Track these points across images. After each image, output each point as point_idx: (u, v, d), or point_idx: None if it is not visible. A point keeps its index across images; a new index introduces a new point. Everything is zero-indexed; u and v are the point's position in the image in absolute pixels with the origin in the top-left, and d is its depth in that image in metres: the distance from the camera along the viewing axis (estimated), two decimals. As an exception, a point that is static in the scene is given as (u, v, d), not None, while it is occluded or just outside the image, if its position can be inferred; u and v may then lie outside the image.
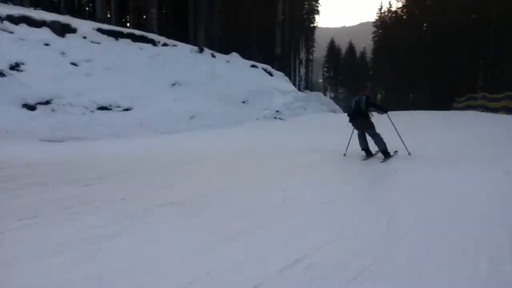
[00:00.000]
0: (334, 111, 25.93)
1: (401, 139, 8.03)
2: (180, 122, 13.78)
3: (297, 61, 39.24)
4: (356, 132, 8.09)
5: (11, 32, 13.04)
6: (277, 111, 19.34)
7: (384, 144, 7.50)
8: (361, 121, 7.70)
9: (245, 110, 17.87)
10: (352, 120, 7.83)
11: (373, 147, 7.90)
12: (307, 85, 49.09)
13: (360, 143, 7.95)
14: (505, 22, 27.82)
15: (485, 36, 31.36)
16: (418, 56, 39.62)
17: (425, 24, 43.38)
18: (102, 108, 12.33)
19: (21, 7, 16.92)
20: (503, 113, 16.60)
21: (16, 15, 13.76)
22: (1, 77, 10.95)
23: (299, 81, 39.41)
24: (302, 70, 44.69)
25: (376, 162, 7.47)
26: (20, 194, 4.96)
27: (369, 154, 7.87)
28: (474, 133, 10.94)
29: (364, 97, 7.77)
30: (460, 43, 34.96)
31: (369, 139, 7.85)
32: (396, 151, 7.95)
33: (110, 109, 12.51)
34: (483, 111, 19.03)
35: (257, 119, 17.45)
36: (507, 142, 9.15)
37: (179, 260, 3.09)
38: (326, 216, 4.24)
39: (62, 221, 3.98)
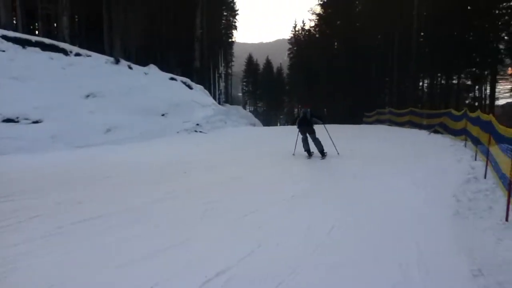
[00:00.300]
0: (254, 125, 26.53)
1: (333, 143, 10.08)
2: (95, 135, 13.18)
3: (217, 75, 39.58)
4: (300, 137, 9.90)
5: None
6: (197, 124, 19.30)
7: (322, 146, 9.54)
8: (306, 128, 9.66)
9: (165, 123, 17.61)
10: (299, 126, 9.81)
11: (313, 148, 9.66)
12: (227, 99, 49.63)
13: (303, 146, 9.77)
14: (406, 42, 30.81)
15: (390, 54, 34.41)
16: (331, 73, 42.13)
17: (336, 43, 46.36)
18: (8, 120, 11.37)
19: None
20: (408, 127, 18.43)
21: None
22: None
23: (219, 95, 39.74)
24: (222, 84, 45.15)
25: (294, 170, 7.89)
26: None
27: (310, 154, 9.74)
28: (385, 143, 12.09)
29: (308, 110, 9.93)
30: (368, 61, 37.93)
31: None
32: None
33: (18, 122, 11.58)
34: (390, 125, 20.93)
35: (177, 132, 17.29)
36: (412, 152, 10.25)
37: (94, 280, 3.03)
38: (249, 228, 4.41)
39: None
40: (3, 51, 14.83)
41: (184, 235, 4.10)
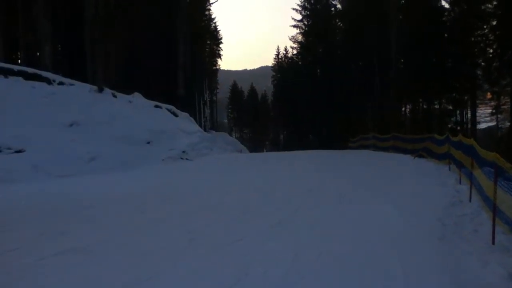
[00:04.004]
0: (240, 151, 26.59)
1: None
2: (78, 165, 12.97)
3: (202, 102, 39.75)
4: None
5: None
6: (183, 152, 19.18)
7: None
8: None
9: (150, 151, 17.47)
10: None
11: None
12: (212, 126, 49.67)
13: None
14: (385, 69, 31.58)
15: (371, 81, 35.12)
16: (315, 99, 42.69)
17: (318, 70, 47.20)
18: None
19: None
20: (392, 152, 18.67)
21: None
22: None
23: (204, 122, 39.82)
24: (207, 111, 45.31)
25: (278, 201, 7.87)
26: None
27: None
28: (369, 167, 12.18)
29: None
30: (351, 87, 38.62)
31: None
32: None
33: (0, 151, 11.38)
34: (374, 150, 21.17)
35: (162, 159, 17.14)
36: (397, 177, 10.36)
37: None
38: (234, 256, 4.34)
39: None
40: (-17, 81, 14.69)
41: (168, 263, 4.01)
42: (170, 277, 3.69)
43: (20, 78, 16.51)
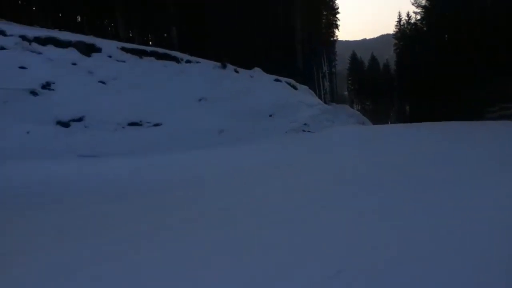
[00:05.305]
0: (363, 123, 25.39)
1: None
2: (208, 137, 13.55)
3: (320, 75, 38.90)
4: None
5: (39, 53, 13.21)
6: (304, 124, 18.95)
7: None
8: None
9: (272, 124, 17.60)
10: None
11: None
12: (332, 98, 48.42)
13: None
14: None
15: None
16: (442, 68, 38.61)
17: (446, 36, 42.41)
18: (132, 124, 12.40)
19: (47, 29, 17.23)
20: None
21: (43, 37, 14.02)
22: (34, 96, 11.14)
23: (324, 94, 39.01)
24: (326, 84, 44.24)
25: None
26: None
27: None
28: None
29: None
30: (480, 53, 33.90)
31: None
32: None
33: (141, 125, 12.52)
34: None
35: (285, 132, 17.11)
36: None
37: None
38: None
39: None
40: (124, 61, 16.08)
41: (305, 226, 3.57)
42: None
43: (153, 58, 17.81)
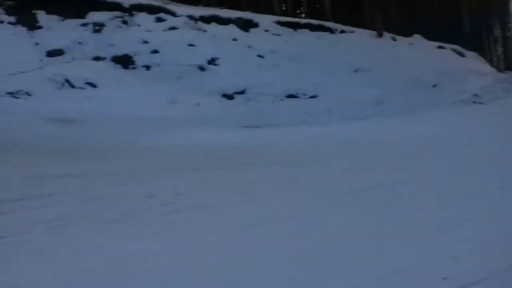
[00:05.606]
0: (549, 94, 21.42)
1: None
2: (366, 108, 12.91)
3: (492, 39, 33.94)
4: None
5: (204, 31, 14.27)
6: (475, 95, 16.82)
7: None
8: None
9: (436, 95, 16.05)
10: None
11: None
12: (507, 66, 41.82)
13: None
14: None
15: None
16: None
17: None
18: (290, 96, 12.67)
19: (209, 8, 18.45)
20: None
21: (207, 15, 15.14)
22: (202, 71, 12.16)
23: (497, 61, 34.03)
24: (500, 49, 38.32)
25: None
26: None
27: None
28: None
29: None
30: None
31: None
32: None
33: (298, 97, 12.69)
34: None
35: (452, 103, 15.36)
36: None
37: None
38: None
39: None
40: (279, 35, 16.35)
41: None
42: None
43: (307, 30, 17.83)
